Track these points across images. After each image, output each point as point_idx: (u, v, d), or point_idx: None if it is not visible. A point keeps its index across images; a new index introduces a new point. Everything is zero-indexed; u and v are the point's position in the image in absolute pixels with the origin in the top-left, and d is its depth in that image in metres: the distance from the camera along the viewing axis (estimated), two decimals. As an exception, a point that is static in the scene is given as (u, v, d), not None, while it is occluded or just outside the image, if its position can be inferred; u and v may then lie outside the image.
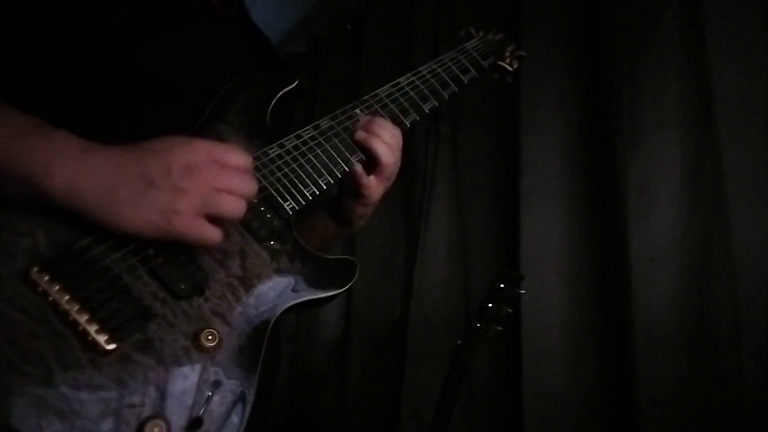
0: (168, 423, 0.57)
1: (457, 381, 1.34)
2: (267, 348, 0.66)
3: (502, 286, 1.29)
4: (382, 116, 0.84)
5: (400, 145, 0.84)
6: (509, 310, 1.31)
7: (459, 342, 1.34)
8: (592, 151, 1.64)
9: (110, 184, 0.58)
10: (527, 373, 1.60)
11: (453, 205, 2.04)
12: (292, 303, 0.70)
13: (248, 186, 0.63)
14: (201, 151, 0.61)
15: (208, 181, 0.60)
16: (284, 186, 0.74)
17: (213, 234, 0.61)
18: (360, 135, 0.81)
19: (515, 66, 1.09)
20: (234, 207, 0.61)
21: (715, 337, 1.33)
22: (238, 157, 0.64)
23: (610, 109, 1.54)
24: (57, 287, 0.56)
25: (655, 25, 1.48)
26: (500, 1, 1.92)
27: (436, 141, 2.07)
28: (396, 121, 0.86)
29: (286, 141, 0.77)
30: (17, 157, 0.56)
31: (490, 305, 1.29)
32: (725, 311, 1.32)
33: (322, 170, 0.77)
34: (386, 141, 0.81)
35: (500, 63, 1.08)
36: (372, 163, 0.82)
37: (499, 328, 1.31)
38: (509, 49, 1.09)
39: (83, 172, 0.58)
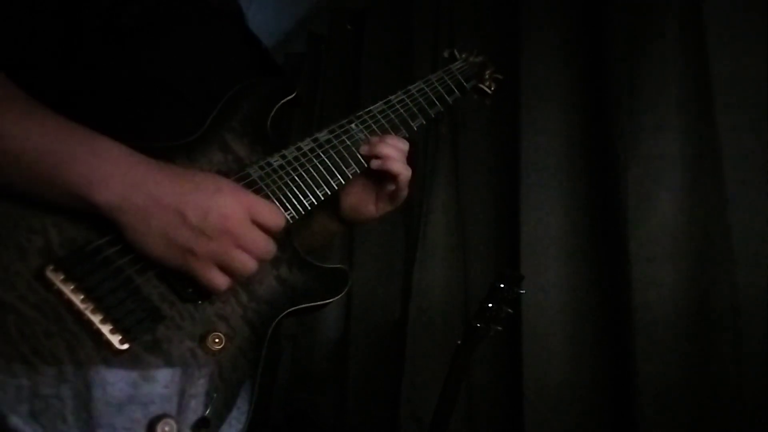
0: (177, 422, 0.59)
1: (457, 381, 1.34)
2: (267, 352, 0.69)
3: (502, 286, 1.29)
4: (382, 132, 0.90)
5: (406, 151, 0.90)
6: (509, 310, 1.31)
7: (459, 342, 1.34)
8: (592, 151, 1.64)
9: (147, 209, 0.59)
10: (527, 373, 1.60)
11: (453, 205, 2.04)
12: (290, 309, 0.72)
13: (266, 249, 0.65)
14: (242, 204, 0.63)
15: (235, 236, 0.62)
16: (285, 195, 0.76)
17: (220, 283, 0.63)
18: (375, 163, 0.85)
19: (493, 88, 1.13)
20: (247, 267, 0.63)
21: (715, 337, 1.33)
22: (272, 215, 0.66)
23: (610, 109, 1.54)
24: (72, 286, 0.57)
25: (655, 25, 1.49)
26: (500, 2, 1.92)
27: (436, 141, 2.08)
28: None
29: (287, 152, 0.79)
30: (62, 168, 0.57)
31: (490, 305, 1.29)
32: (725, 311, 1.32)
33: (321, 182, 0.80)
34: (397, 158, 0.86)
35: (480, 86, 1.11)
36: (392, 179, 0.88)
37: (499, 328, 1.31)
38: (488, 71, 1.12)
39: (125, 190, 0.58)
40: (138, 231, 0.59)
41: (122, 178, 0.59)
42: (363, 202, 0.91)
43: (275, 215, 0.67)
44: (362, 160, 0.85)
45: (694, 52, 1.43)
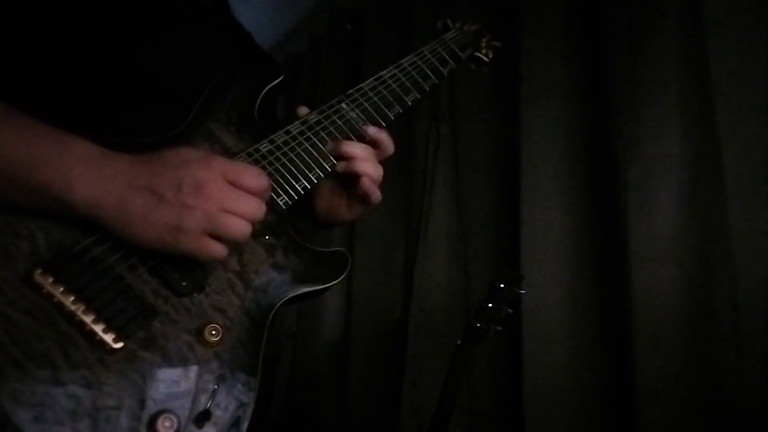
0: (178, 417, 0.59)
1: (458, 381, 1.34)
2: (267, 341, 0.68)
3: (502, 286, 1.29)
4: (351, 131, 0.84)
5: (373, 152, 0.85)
6: (509, 310, 1.31)
7: (459, 342, 1.34)
8: (592, 151, 1.64)
9: (123, 197, 0.59)
10: (528, 372, 1.60)
11: (453, 205, 2.04)
12: (289, 296, 0.71)
13: (256, 209, 0.64)
14: (214, 168, 0.62)
15: (216, 200, 0.60)
16: (276, 181, 0.74)
17: (217, 251, 0.62)
18: (341, 165, 0.81)
19: (491, 56, 1.10)
20: (238, 229, 0.62)
21: (715, 337, 1.33)
22: (252, 178, 0.64)
23: (610, 109, 1.54)
24: (61, 288, 0.57)
25: (655, 25, 1.48)
26: (500, 2, 1.92)
27: (436, 141, 2.08)
28: (380, 114, 0.87)
29: (275, 137, 0.77)
30: (36, 170, 0.57)
31: (490, 305, 1.29)
32: (725, 311, 1.32)
33: (312, 164, 0.78)
34: (365, 157, 0.82)
35: (477, 54, 1.08)
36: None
37: (499, 328, 1.31)
38: (485, 39, 1.09)
39: (100, 184, 0.58)
40: (120, 222, 0.59)
41: (95, 174, 0.58)
42: (336, 207, 0.87)
43: (254, 175, 0.64)
44: (334, 156, 0.81)
45: (694, 52, 1.43)
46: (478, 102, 2.01)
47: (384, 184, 0.85)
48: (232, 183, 0.62)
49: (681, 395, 1.35)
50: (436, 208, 2.04)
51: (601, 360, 1.54)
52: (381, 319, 2.24)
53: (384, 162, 0.86)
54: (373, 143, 0.84)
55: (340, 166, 0.81)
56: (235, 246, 0.68)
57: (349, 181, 0.83)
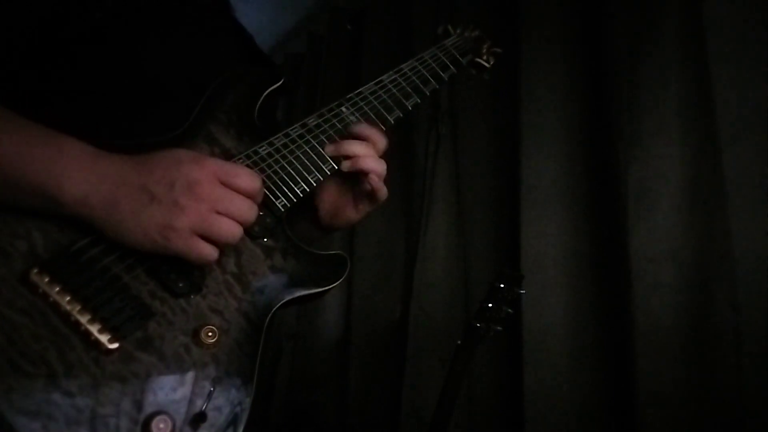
0: (173, 418, 0.58)
1: (458, 381, 1.34)
2: (265, 344, 0.68)
3: (502, 286, 1.29)
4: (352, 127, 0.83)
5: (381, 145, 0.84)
6: (509, 310, 1.31)
7: (459, 342, 1.34)
8: (592, 152, 1.64)
9: (114, 195, 0.58)
10: (528, 373, 1.60)
11: (453, 205, 2.04)
12: (288, 299, 0.71)
13: (247, 211, 0.63)
14: (207, 169, 0.61)
15: (208, 201, 0.60)
16: (275, 184, 0.75)
17: (207, 252, 0.61)
18: (345, 165, 0.80)
19: (491, 62, 1.10)
20: (229, 231, 0.62)
21: (715, 337, 1.33)
22: (244, 179, 0.64)
23: (610, 110, 1.54)
24: (57, 288, 0.57)
25: (655, 26, 1.49)
26: (500, 2, 1.92)
27: (436, 141, 2.08)
28: (381, 119, 0.87)
29: (275, 139, 0.77)
30: (27, 168, 0.57)
31: (490, 305, 1.29)
32: (725, 311, 1.32)
33: (312, 167, 0.78)
34: (367, 154, 0.81)
35: (478, 60, 1.08)
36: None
37: (499, 328, 1.31)
38: (485, 45, 1.10)
39: (92, 183, 0.58)
40: (110, 221, 0.59)
41: (87, 173, 0.58)
42: (341, 208, 0.86)
43: (247, 176, 0.64)
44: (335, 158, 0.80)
45: (694, 53, 1.43)
46: (478, 102, 2.01)
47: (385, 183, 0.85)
48: (224, 184, 0.62)
49: (681, 395, 1.35)
50: (436, 208, 2.04)
51: (601, 360, 1.54)
52: (381, 319, 2.24)
53: (383, 159, 0.85)
54: (365, 139, 0.83)
55: (345, 165, 0.80)
56: (229, 248, 0.68)
57: (353, 181, 0.83)
